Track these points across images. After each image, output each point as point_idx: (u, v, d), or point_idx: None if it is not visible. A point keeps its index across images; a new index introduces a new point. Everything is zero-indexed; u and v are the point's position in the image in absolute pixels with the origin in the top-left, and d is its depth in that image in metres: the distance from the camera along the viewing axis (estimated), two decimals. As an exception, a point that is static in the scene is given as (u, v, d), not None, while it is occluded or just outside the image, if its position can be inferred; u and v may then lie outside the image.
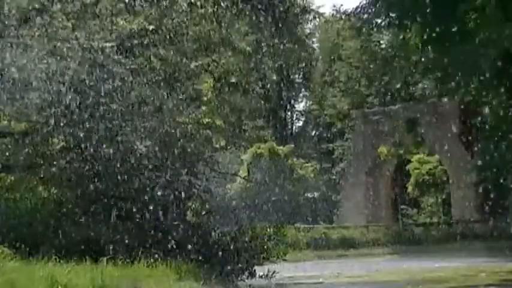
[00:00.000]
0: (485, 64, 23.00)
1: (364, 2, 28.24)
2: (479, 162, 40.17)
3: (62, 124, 15.74)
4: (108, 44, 16.65)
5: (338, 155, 58.59)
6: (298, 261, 27.11)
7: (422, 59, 29.50)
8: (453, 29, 23.96)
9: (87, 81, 15.98)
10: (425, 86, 52.60)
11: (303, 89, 72.18)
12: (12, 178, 17.14)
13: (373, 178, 47.82)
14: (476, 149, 41.85)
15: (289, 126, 70.93)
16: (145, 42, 17.85)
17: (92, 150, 15.70)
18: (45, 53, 15.92)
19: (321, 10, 71.09)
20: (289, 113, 71.25)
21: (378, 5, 27.61)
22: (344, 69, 62.80)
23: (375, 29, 35.19)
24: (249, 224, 17.95)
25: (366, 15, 29.08)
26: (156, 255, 14.21)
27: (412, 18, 25.57)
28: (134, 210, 15.69)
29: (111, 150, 15.89)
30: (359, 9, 29.29)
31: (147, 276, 12.72)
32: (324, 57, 67.05)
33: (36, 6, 17.02)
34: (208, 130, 20.26)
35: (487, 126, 36.87)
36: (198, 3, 19.33)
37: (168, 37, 18.17)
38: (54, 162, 16.54)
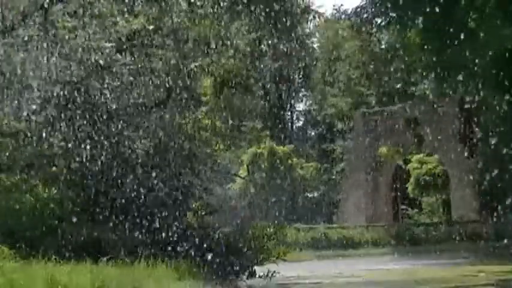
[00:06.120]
0: (485, 64, 23.00)
1: (364, 1, 28.29)
2: (479, 162, 40.20)
3: (61, 124, 15.76)
4: (108, 44, 16.66)
5: (338, 155, 58.57)
6: (298, 261, 27.04)
7: (422, 59, 29.49)
8: (453, 29, 23.97)
9: (87, 81, 16.00)
10: (425, 86, 52.59)
11: (303, 89, 72.15)
12: (13, 178, 17.11)
13: (373, 178, 47.79)
14: (476, 149, 41.85)
15: (289, 126, 70.89)
16: (145, 42, 17.85)
17: (91, 150, 15.71)
18: (45, 53, 15.93)
19: (321, 10, 70.95)
20: (289, 113, 71.24)
21: (378, 5, 27.64)
22: (344, 69, 62.80)
23: (375, 29, 35.20)
24: (249, 224, 17.96)
25: (366, 15, 29.11)
26: (156, 255, 14.22)
27: (412, 18, 25.59)
28: (134, 210, 15.71)
29: (111, 151, 15.92)
30: (359, 9, 29.34)
31: (147, 276, 12.73)
32: (324, 57, 67.02)
33: (36, 6, 17.02)
34: (207, 132, 20.26)
35: (487, 126, 36.89)
36: (198, 3, 19.33)
37: (168, 37, 18.17)
38: (54, 162, 16.53)
